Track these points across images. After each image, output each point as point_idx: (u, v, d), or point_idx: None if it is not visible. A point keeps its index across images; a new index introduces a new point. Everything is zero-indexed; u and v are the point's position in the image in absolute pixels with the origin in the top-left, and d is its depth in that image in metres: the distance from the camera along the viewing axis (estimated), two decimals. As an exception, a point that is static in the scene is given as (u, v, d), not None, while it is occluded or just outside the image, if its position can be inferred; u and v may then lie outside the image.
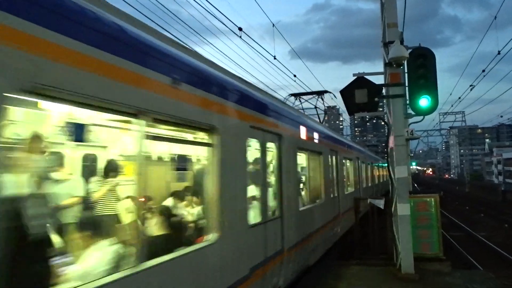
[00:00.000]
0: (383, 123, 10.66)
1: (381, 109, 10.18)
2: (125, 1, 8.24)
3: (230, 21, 12.17)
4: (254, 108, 5.97)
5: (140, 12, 8.88)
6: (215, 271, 4.51)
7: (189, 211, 5.32)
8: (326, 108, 17.55)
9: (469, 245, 18.57)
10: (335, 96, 17.48)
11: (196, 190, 5.46)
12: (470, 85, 25.65)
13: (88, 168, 5.41)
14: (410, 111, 9.76)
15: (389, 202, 9.64)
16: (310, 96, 17.20)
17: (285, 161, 6.91)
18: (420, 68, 9.12)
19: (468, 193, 65.02)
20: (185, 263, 3.99)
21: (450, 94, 34.60)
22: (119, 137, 4.85)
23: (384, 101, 9.71)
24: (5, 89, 2.31)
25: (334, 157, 11.79)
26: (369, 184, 22.73)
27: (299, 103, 16.93)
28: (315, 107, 17.20)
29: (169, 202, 5.27)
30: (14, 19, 2.36)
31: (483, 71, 22.44)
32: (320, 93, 16.98)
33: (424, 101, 9.07)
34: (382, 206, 10.36)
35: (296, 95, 16.98)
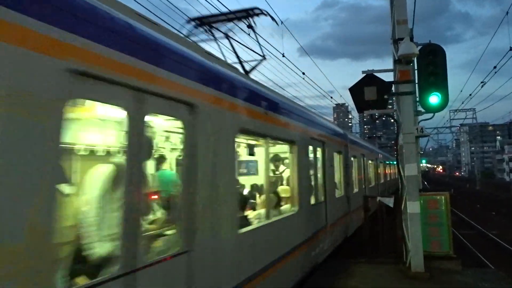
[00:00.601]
0: (392, 120, 10.59)
1: (390, 106, 10.11)
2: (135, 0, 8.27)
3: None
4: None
5: (148, 10, 8.90)
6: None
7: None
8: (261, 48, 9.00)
9: (480, 244, 18.39)
10: (274, 21, 9.32)
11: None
12: (481, 82, 25.37)
13: None
14: (420, 108, 9.69)
15: (398, 200, 9.58)
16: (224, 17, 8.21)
17: None
18: (430, 65, 9.05)
19: (479, 191, 64.39)
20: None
21: (461, 91, 34.30)
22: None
23: (394, 98, 9.65)
24: None
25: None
26: (356, 190, 14.84)
27: (204, 30, 7.99)
28: (227, 37, 8.08)
29: None
30: None
31: (495, 67, 22.18)
32: (247, 13, 8.19)
33: (434, 98, 9.00)
34: (391, 204, 10.16)
35: (202, 20, 7.98)
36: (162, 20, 9.34)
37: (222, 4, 10.89)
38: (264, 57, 8.78)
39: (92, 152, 4.70)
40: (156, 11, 9.18)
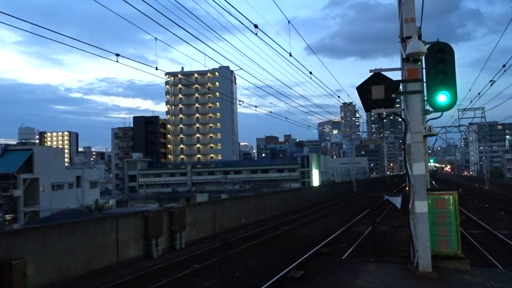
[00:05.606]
0: (400, 119, 10.55)
1: (398, 105, 10.08)
2: (143, 0, 8.32)
3: (246, 18, 12.16)
4: None
5: (156, 10, 8.94)
6: None
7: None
8: None
9: (489, 244, 18.25)
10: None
11: None
12: (490, 81, 25.11)
13: None
14: (428, 107, 9.64)
15: (406, 200, 9.54)
16: None
17: None
18: (439, 64, 9.01)
19: (488, 191, 63.86)
20: None
21: (470, 90, 34.07)
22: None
23: (402, 97, 9.62)
24: None
25: None
26: None
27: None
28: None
29: None
30: None
31: (504, 66, 21.94)
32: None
33: (442, 97, 8.96)
34: (398, 205, 10.13)
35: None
36: (171, 20, 9.37)
37: (229, 4, 10.91)
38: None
39: None
40: (164, 11, 9.22)
